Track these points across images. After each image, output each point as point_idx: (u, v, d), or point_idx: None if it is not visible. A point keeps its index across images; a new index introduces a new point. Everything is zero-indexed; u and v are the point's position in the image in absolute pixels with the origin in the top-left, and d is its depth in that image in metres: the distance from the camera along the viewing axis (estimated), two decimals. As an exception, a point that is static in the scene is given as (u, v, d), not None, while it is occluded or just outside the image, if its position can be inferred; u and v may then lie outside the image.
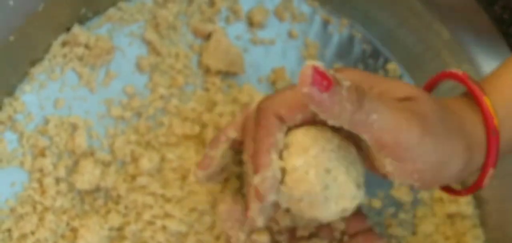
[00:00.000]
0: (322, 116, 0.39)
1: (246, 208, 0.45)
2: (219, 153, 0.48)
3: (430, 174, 0.42)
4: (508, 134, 0.45)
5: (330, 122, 0.39)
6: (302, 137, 0.43)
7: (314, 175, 0.42)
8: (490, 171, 0.45)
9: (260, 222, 0.44)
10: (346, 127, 0.40)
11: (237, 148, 0.49)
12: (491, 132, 0.44)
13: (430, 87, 0.49)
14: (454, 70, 0.47)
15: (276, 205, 0.44)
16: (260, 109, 0.44)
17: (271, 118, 0.43)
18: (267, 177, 0.42)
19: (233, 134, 0.48)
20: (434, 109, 0.42)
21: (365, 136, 0.40)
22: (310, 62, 0.38)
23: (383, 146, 0.40)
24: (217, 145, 0.49)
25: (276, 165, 0.43)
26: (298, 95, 0.40)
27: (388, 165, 0.41)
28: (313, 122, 0.44)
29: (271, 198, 0.43)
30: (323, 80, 0.38)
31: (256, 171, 0.43)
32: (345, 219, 0.46)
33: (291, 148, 0.43)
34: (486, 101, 0.45)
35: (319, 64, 0.38)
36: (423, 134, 0.40)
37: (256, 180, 0.43)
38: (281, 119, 0.43)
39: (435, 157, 0.41)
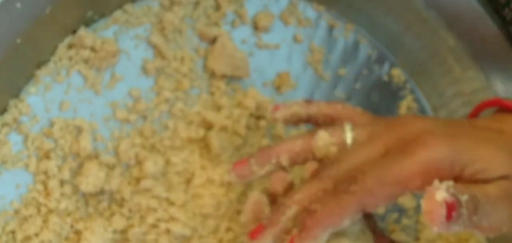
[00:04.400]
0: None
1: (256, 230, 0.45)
2: (262, 172, 0.47)
3: None
4: None
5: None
6: None
7: None
8: None
9: None
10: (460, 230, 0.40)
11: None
12: None
13: (475, 115, 0.50)
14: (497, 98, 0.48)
15: None
16: (348, 189, 0.42)
17: (353, 206, 0.41)
18: None
19: (285, 162, 0.46)
20: None
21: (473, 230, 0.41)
22: (440, 194, 0.38)
23: (479, 230, 0.41)
24: (264, 163, 0.47)
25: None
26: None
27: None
28: None
29: None
30: (452, 212, 0.38)
31: (302, 231, 0.42)
32: None
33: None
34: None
35: (446, 191, 0.38)
36: None
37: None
38: (361, 210, 0.42)
39: None
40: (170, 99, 0.55)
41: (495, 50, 0.59)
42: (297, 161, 0.47)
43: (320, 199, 0.42)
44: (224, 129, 0.54)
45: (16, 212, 0.50)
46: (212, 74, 0.56)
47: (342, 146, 0.46)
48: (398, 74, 0.62)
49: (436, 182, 0.39)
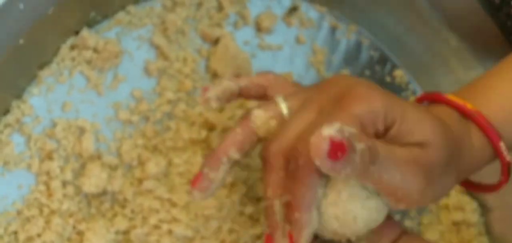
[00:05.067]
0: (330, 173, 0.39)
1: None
2: (220, 175, 0.45)
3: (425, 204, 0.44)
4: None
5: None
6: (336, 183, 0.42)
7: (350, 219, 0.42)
8: (501, 145, 0.45)
9: None
10: (353, 179, 0.40)
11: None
12: (471, 116, 0.45)
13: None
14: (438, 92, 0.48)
15: None
16: (297, 164, 0.41)
17: (314, 175, 0.41)
18: (305, 233, 0.42)
19: (235, 155, 0.45)
20: (441, 157, 0.43)
21: (370, 184, 0.41)
22: (327, 130, 0.38)
23: (386, 192, 0.41)
24: (217, 165, 0.45)
25: (315, 220, 0.42)
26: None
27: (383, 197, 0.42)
28: None
29: None
30: (338, 152, 0.38)
31: (294, 225, 0.42)
32: (377, 232, 0.46)
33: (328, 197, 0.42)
34: (450, 97, 0.46)
35: (335, 131, 0.38)
36: (426, 186, 0.42)
37: (295, 234, 0.42)
38: (320, 174, 0.41)
39: (432, 198, 0.43)
40: (173, 100, 0.55)
41: (497, 51, 0.59)
42: (245, 148, 0.46)
43: (285, 188, 0.42)
44: (226, 130, 0.54)
45: (19, 212, 0.50)
46: (215, 75, 0.56)
47: (280, 118, 0.45)
48: (400, 75, 0.62)
49: (335, 123, 0.38)
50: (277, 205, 0.43)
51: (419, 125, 0.42)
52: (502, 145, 0.45)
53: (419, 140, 0.42)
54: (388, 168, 0.40)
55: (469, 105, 0.46)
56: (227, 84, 0.48)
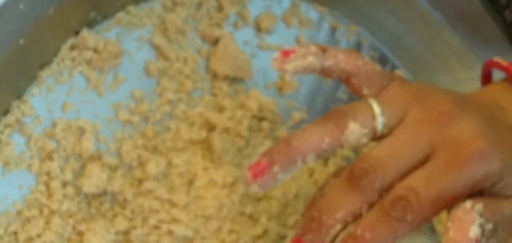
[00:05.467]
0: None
1: None
2: (288, 177, 0.41)
3: None
4: None
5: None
6: None
7: None
8: None
9: None
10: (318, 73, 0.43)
11: None
12: None
13: (486, 81, 0.49)
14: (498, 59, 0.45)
15: None
16: (405, 218, 0.39)
17: (408, 233, 0.39)
18: None
19: (312, 162, 0.41)
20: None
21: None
22: (474, 230, 0.37)
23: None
24: (290, 167, 0.40)
25: None
26: None
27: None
28: None
29: None
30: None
31: None
32: None
33: None
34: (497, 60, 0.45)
35: (477, 225, 0.37)
36: None
37: None
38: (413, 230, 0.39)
39: None
40: (173, 101, 0.55)
41: (498, 51, 0.59)
42: (325, 156, 0.42)
43: (369, 225, 0.39)
44: (226, 130, 0.54)
45: (19, 213, 0.50)
46: (215, 76, 0.56)
47: (374, 133, 0.42)
48: (401, 75, 0.62)
49: (468, 204, 0.37)
50: (336, 230, 0.40)
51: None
52: None
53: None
54: (501, 230, 0.39)
55: None
56: (311, 61, 0.43)
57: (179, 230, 0.51)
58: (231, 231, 0.52)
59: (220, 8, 0.58)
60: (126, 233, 0.51)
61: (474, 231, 0.36)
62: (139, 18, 0.56)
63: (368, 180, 0.40)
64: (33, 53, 0.51)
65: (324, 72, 0.44)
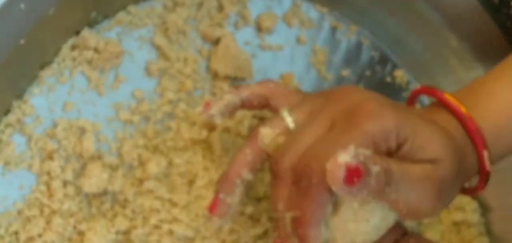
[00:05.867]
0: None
1: None
2: (237, 198, 0.46)
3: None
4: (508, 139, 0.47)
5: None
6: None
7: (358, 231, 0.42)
8: (485, 153, 0.45)
9: None
10: (368, 199, 0.41)
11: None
12: (463, 119, 0.45)
13: (411, 102, 0.51)
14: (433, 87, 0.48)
15: None
16: (311, 182, 0.41)
17: (326, 194, 0.41)
18: None
19: (248, 176, 0.46)
20: (452, 171, 0.43)
21: (385, 203, 0.41)
22: (342, 156, 0.38)
23: (398, 209, 0.42)
24: (232, 189, 0.46)
25: (323, 235, 0.42)
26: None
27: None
28: None
29: None
30: (354, 177, 0.38)
31: (303, 240, 0.42)
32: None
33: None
34: (447, 96, 0.46)
35: (351, 156, 0.38)
36: (438, 200, 0.42)
37: None
38: (332, 192, 0.41)
39: (441, 209, 0.43)
40: (173, 101, 0.55)
41: (498, 51, 0.59)
42: (257, 167, 0.46)
43: (295, 203, 0.42)
44: (227, 130, 0.54)
45: (19, 212, 0.50)
46: (215, 75, 0.56)
47: (288, 133, 0.45)
48: (401, 75, 0.62)
49: (349, 147, 0.39)
50: (288, 218, 0.43)
51: (430, 142, 0.42)
52: (485, 153, 0.45)
53: (431, 156, 0.42)
54: (403, 187, 0.41)
55: (463, 109, 0.45)
56: (229, 98, 0.48)
57: (180, 229, 0.51)
58: (231, 231, 0.52)
59: (220, 8, 0.58)
60: (127, 232, 0.51)
61: (343, 157, 0.38)
62: (140, 18, 0.56)
63: (278, 165, 0.43)
64: (34, 53, 0.51)
65: (245, 104, 0.49)
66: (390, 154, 0.42)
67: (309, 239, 0.42)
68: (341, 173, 0.38)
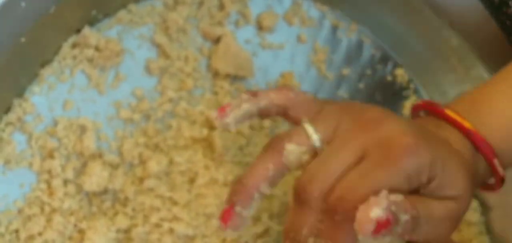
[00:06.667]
0: None
1: None
2: (253, 212, 0.44)
3: None
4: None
5: None
6: None
7: None
8: (495, 161, 0.46)
9: None
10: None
11: None
12: (469, 135, 0.45)
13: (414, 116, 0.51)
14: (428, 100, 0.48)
15: None
16: (347, 215, 0.40)
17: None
18: None
19: (267, 190, 0.44)
20: (469, 203, 0.43)
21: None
22: (375, 211, 0.38)
23: (411, 240, 0.42)
24: (250, 203, 0.44)
25: None
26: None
27: None
28: None
29: None
30: (382, 228, 0.38)
31: None
32: None
33: None
34: (449, 113, 0.46)
35: (382, 210, 0.38)
36: (452, 232, 0.43)
37: None
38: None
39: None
40: (174, 99, 0.55)
41: (498, 50, 0.59)
42: (277, 182, 0.45)
43: (327, 233, 0.41)
44: (227, 129, 0.54)
45: (20, 211, 0.50)
46: (216, 74, 0.56)
47: (313, 150, 0.44)
48: (401, 74, 0.62)
49: (382, 194, 0.38)
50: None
51: (455, 179, 0.42)
52: (496, 161, 0.46)
53: (455, 194, 0.42)
54: (425, 228, 0.41)
55: (466, 124, 0.45)
56: (247, 107, 0.46)
57: (180, 228, 0.51)
58: (232, 230, 0.52)
59: (221, 7, 0.58)
60: (127, 231, 0.51)
61: (375, 212, 0.37)
62: (140, 17, 0.56)
63: (307, 193, 0.42)
64: (34, 51, 0.51)
65: (262, 113, 0.47)
66: (419, 188, 0.41)
67: None
68: (371, 227, 0.37)
